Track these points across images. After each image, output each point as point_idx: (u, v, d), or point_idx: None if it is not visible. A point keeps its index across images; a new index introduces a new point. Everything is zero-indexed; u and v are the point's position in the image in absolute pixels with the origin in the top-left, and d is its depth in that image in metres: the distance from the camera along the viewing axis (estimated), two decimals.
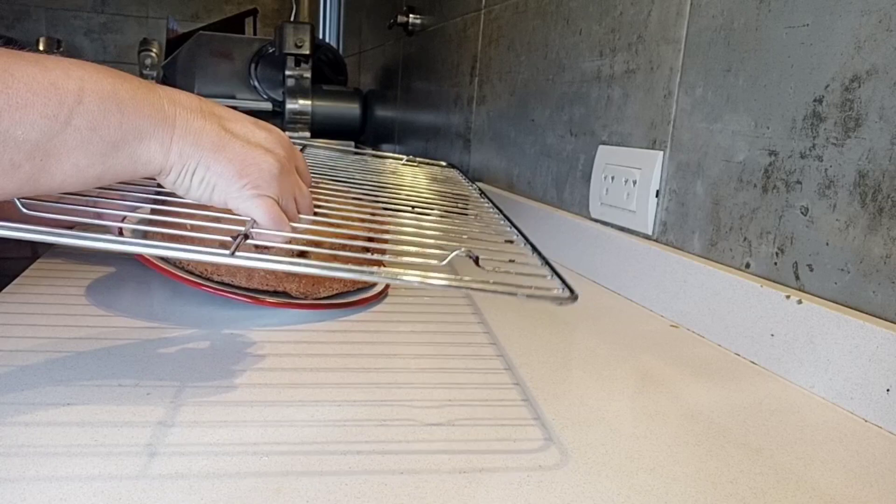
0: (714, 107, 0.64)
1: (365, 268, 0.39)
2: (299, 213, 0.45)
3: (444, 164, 0.94)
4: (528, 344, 0.56)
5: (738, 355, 0.57)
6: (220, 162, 0.40)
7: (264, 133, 0.43)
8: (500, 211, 0.66)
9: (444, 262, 0.42)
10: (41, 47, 3.34)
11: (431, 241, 0.49)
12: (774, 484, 0.37)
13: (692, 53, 0.67)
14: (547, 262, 0.50)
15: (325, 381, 0.46)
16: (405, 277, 0.38)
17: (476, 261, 0.44)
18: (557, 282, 0.45)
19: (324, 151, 0.88)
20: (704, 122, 0.65)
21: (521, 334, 0.59)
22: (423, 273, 0.39)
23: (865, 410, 0.46)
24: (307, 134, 1.91)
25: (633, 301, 0.72)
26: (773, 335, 0.54)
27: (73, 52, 2.83)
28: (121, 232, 0.58)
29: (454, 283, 0.39)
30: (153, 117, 0.37)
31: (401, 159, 0.90)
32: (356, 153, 0.91)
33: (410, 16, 1.61)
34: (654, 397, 0.48)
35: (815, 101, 0.53)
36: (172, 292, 0.62)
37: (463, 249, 0.43)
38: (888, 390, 0.44)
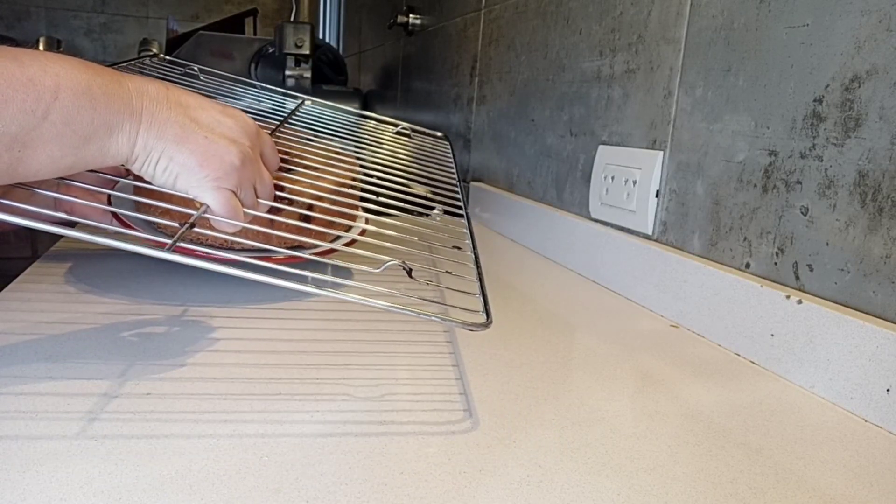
0: (714, 107, 0.64)
1: (295, 276, 0.41)
2: (258, 198, 0.47)
3: (438, 134, 0.93)
4: (528, 344, 0.56)
5: (738, 355, 0.57)
6: (183, 153, 0.42)
7: (230, 121, 0.45)
8: (466, 207, 0.68)
9: (380, 270, 0.44)
10: (41, 47, 3.34)
11: (383, 241, 0.52)
12: (774, 484, 0.37)
13: (692, 53, 0.67)
14: (480, 279, 0.51)
15: (329, 376, 0.46)
16: (326, 291, 0.40)
17: (409, 273, 0.46)
18: (481, 302, 0.47)
19: (322, 111, 0.86)
20: (704, 122, 0.65)
21: (521, 334, 0.59)
22: (353, 285, 0.42)
23: (865, 410, 0.46)
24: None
25: (633, 301, 0.72)
26: (773, 335, 0.54)
27: (73, 52, 2.82)
28: (118, 218, 0.59)
29: (370, 301, 0.41)
30: (122, 112, 0.39)
31: (397, 125, 0.90)
32: (356, 114, 0.91)
33: (410, 16, 1.61)
34: (654, 397, 0.48)
35: (815, 101, 0.53)
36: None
37: (397, 261, 0.45)
38: (888, 390, 0.44)
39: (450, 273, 0.51)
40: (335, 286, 0.42)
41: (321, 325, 0.58)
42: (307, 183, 0.58)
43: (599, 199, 0.81)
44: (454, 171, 0.78)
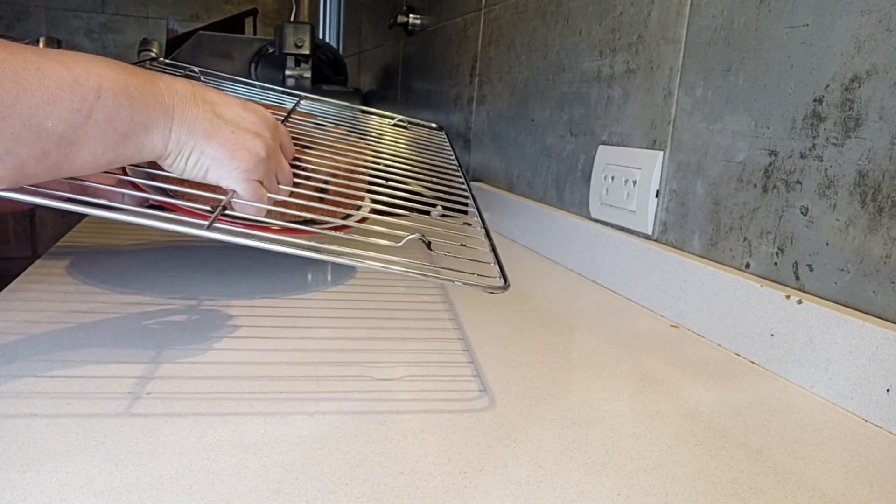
0: (714, 107, 0.64)
1: (323, 244, 0.44)
2: (279, 185, 0.51)
3: (434, 125, 0.94)
4: (528, 344, 0.56)
5: (738, 355, 0.57)
6: (213, 147, 0.45)
7: (252, 116, 0.48)
8: (470, 189, 0.71)
9: (400, 244, 0.47)
10: (41, 47, 3.33)
11: (396, 219, 0.54)
12: (774, 484, 0.37)
13: (692, 53, 0.67)
14: (493, 249, 0.55)
15: (328, 375, 0.46)
16: (350, 260, 0.43)
17: (428, 245, 0.49)
18: (496, 269, 0.51)
19: (319, 106, 0.87)
20: (704, 122, 0.65)
21: (521, 334, 0.59)
22: (374, 255, 0.44)
23: (865, 410, 0.46)
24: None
25: (633, 301, 0.72)
26: (773, 335, 0.54)
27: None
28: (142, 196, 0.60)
29: (396, 268, 0.44)
30: (156, 110, 0.42)
31: (393, 118, 0.91)
32: (352, 109, 0.92)
33: (410, 16, 1.61)
34: (654, 397, 0.48)
35: (815, 101, 0.53)
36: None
37: (417, 234, 0.48)
38: (888, 390, 0.44)
39: (464, 246, 0.54)
40: (359, 257, 0.44)
41: (320, 323, 0.58)
42: (322, 162, 0.60)
43: (599, 199, 0.81)
44: (454, 158, 0.79)
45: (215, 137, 0.45)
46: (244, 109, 0.48)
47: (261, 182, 0.48)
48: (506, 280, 0.49)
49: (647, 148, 0.74)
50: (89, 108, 0.38)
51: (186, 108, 0.44)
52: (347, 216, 0.66)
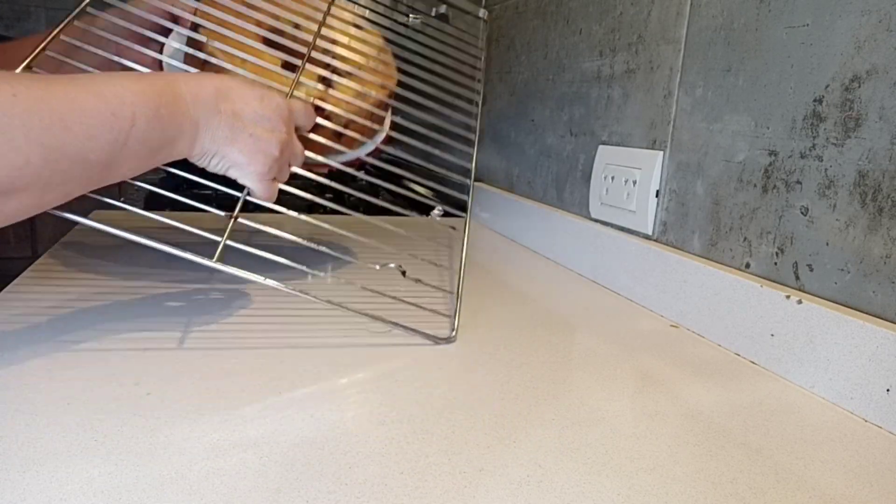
0: (714, 107, 0.64)
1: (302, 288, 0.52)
2: (291, 167, 0.56)
3: (481, 14, 0.89)
4: (528, 344, 0.56)
5: (738, 355, 0.57)
6: (233, 152, 0.51)
7: (268, 112, 0.52)
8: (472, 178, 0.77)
9: (379, 268, 0.58)
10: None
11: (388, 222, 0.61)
12: (774, 484, 0.37)
13: (692, 53, 0.67)
14: (458, 293, 0.62)
15: (328, 375, 0.46)
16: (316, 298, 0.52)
17: (403, 273, 0.57)
18: (452, 321, 0.58)
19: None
20: (704, 122, 0.65)
21: (521, 334, 0.59)
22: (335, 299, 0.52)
23: (865, 410, 0.46)
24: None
25: (633, 301, 0.72)
26: (773, 335, 0.54)
27: None
28: (161, 66, 0.64)
29: (342, 306, 0.53)
30: (183, 125, 0.47)
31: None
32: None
33: (410, 16, 1.61)
34: (654, 397, 0.48)
35: (815, 101, 0.53)
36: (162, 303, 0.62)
37: (394, 264, 0.57)
38: (888, 390, 0.44)
39: (426, 285, 0.61)
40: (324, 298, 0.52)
41: (320, 324, 0.58)
42: (345, 101, 0.64)
43: (599, 199, 0.81)
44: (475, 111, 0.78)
45: (235, 143, 0.50)
46: (261, 105, 0.51)
47: (274, 178, 0.54)
48: (454, 330, 0.56)
49: (647, 148, 0.74)
50: (125, 136, 0.43)
51: (209, 117, 0.49)
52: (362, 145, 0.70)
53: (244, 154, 0.51)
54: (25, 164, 0.38)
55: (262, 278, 0.50)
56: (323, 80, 0.63)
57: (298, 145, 0.56)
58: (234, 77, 0.53)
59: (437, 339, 0.52)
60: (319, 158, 0.61)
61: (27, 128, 0.38)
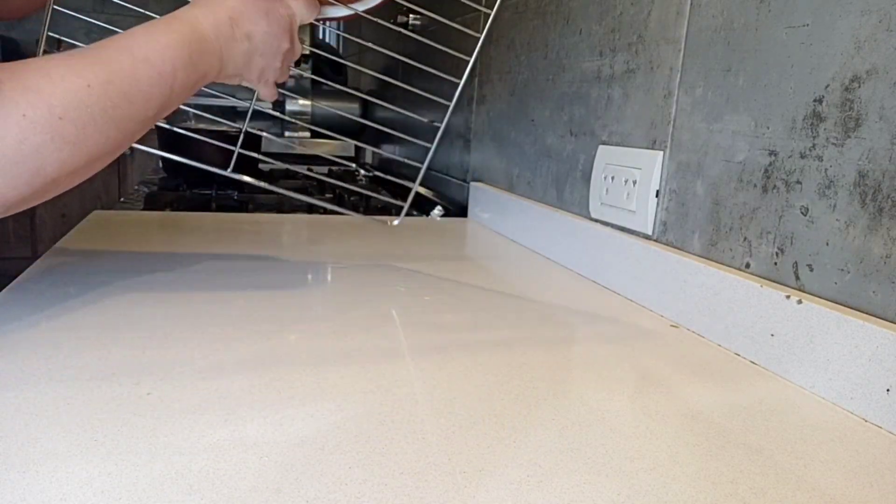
0: (714, 107, 0.64)
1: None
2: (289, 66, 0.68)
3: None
4: (528, 344, 0.56)
5: (738, 355, 0.57)
6: (247, 72, 0.63)
7: (275, 30, 0.62)
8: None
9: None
10: (42, 47, 3.33)
11: None
12: (774, 484, 0.37)
13: (692, 53, 0.67)
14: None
15: (329, 375, 0.46)
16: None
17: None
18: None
19: None
20: (704, 122, 0.65)
21: (521, 334, 0.59)
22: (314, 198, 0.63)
23: (865, 410, 0.46)
24: (307, 134, 1.91)
25: (633, 301, 0.72)
26: (773, 335, 0.54)
27: None
28: None
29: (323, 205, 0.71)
30: (212, 61, 0.58)
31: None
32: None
33: (410, 16, 1.61)
34: (654, 397, 0.48)
35: (815, 101, 0.53)
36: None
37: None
38: (888, 390, 0.44)
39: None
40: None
41: (320, 323, 0.58)
42: None
43: (599, 199, 0.81)
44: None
45: (249, 66, 0.62)
46: (268, 22, 0.61)
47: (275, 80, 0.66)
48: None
49: (647, 148, 0.74)
50: (170, 88, 0.53)
51: (230, 45, 0.59)
52: None
53: (255, 73, 0.63)
54: (106, 140, 0.48)
55: (272, 186, 0.60)
56: None
57: (298, 48, 0.67)
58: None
59: (383, 220, 0.61)
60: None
61: (103, 111, 0.47)
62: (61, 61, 0.47)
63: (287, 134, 1.93)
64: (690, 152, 0.67)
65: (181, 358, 0.48)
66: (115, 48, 0.50)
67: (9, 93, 0.42)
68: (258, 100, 0.68)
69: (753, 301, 0.56)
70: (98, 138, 0.47)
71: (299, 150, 1.92)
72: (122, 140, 0.50)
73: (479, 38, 0.72)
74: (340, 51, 2.57)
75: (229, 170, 0.65)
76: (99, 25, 0.78)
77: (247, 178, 0.65)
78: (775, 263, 0.56)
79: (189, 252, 0.79)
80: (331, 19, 0.73)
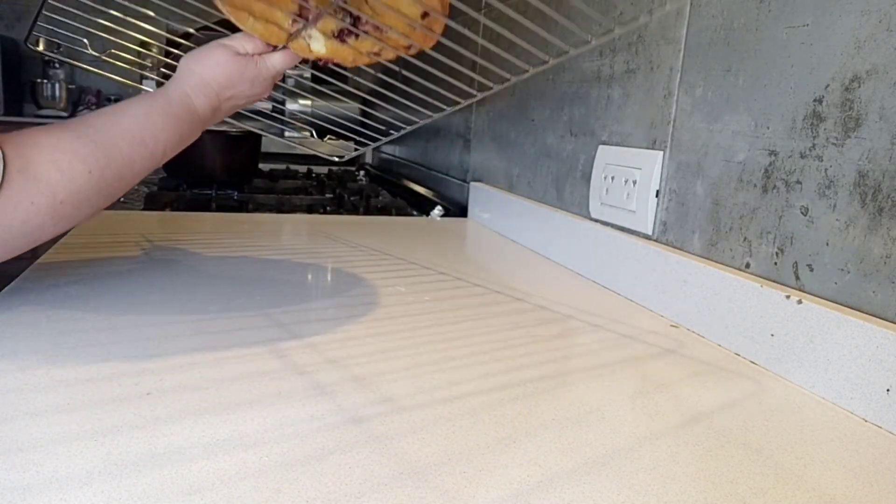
0: (714, 107, 0.64)
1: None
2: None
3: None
4: (528, 344, 0.56)
5: (738, 355, 0.57)
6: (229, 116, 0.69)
7: (258, 90, 0.67)
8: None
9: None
10: (41, 47, 3.33)
11: None
12: (774, 484, 0.37)
13: (692, 53, 0.67)
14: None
15: (328, 376, 0.46)
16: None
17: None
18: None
19: None
20: (704, 122, 0.65)
21: (521, 334, 0.59)
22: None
23: (865, 410, 0.46)
24: (307, 134, 1.90)
25: (633, 301, 0.72)
26: (773, 335, 0.54)
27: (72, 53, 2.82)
28: None
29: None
30: (197, 133, 0.64)
31: None
32: None
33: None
34: (654, 397, 0.48)
35: (815, 101, 0.53)
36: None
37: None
38: (888, 390, 0.44)
39: None
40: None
41: (318, 324, 0.58)
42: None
43: (599, 199, 0.81)
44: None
45: (232, 112, 0.68)
46: (251, 89, 0.66)
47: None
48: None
49: (647, 148, 0.74)
50: (157, 162, 0.60)
51: (217, 116, 0.66)
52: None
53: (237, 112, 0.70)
54: (94, 209, 0.55)
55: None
56: (339, 33, 0.64)
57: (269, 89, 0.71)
58: (230, 71, 0.64)
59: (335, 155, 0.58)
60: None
61: (98, 192, 0.54)
62: (69, 147, 0.52)
63: (287, 134, 1.93)
64: (690, 152, 0.67)
65: (181, 358, 0.48)
66: (117, 132, 0.56)
67: (20, 182, 0.48)
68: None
69: (753, 301, 0.56)
70: (89, 210, 0.54)
71: (299, 150, 1.92)
72: (107, 204, 0.57)
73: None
74: None
75: None
76: (99, 24, 0.78)
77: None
78: (775, 263, 0.56)
79: (189, 252, 0.79)
80: (315, 60, 0.70)
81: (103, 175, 0.54)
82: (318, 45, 0.62)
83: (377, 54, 0.64)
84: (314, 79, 1.91)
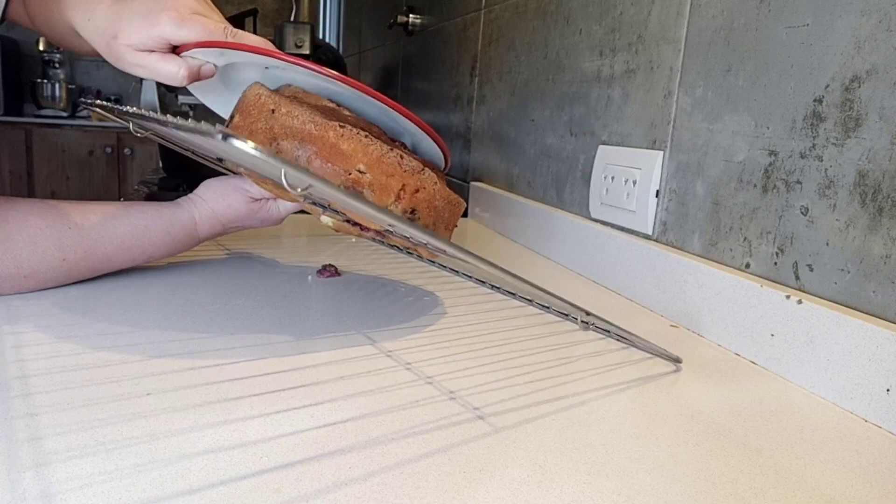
0: (714, 107, 0.64)
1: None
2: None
3: None
4: (528, 343, 0.56)
5: (738, 355, 0.57)
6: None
7: (265, 224, 0.71)
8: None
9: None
10: (41, 47, 3.33)
11: None
12: (774, 484, 0.37)
13: (692, 53, 0.67)
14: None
15: (328, 377, 0.46)
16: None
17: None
18: None
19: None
20: (704, 122, 0.65)
21: (521, 333, 0.59)
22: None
23: (865, 410, 0.46)
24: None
25: (633, 301, 0.72)
26: (773, 335, 0.54)
27: (72, 52, 2.81)
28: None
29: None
30: (192, 246, 0.67)
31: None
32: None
33: (410, 16, 1.61)
34: (654, 397, 0.48)
35: (815, 101, 0.53)
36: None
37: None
38: (888, 390, 0.45)
39: None
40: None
41: (317, 325, 0.58)
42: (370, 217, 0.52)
43: (599, 199, 0.81)
44: None
45: None
46: (260, 221, 0.69)
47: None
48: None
49: (647, 148, 0.74)
50: (140, 263, 0.64)
51: (216, 235, 0.68)
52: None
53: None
54: (60, 283, 0.59)
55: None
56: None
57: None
58: (242, 213, 0.66)
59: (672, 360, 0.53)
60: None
61: (68, 275, 0.58)
62: (54, 235, 0.55)
63: None
64: (690, 152, 0.67)
65: (181, 358, 0.48)
66: (109, 234, 0.59)
67: None
68: None
69: (753, 301, 0.56)
70: (54, 284, 0.58)
71: None
72: (73, 281, 0.60)
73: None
74: (340, 51, 2.57)
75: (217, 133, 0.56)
76: None
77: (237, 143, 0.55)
78: (775, 263, 0.56)
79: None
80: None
81: (77, 266, 0.58)
82: (327, 219, 0.57)
83: (380, 233, 0.57)
84: None
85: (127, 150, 3.17)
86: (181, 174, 1.37)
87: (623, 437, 0.41)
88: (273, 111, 0.50)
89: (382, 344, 0.54)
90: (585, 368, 0.52)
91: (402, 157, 0.51)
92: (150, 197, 1.24)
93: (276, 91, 0.55)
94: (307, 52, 1.80)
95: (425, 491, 0.34)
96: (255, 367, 0.47)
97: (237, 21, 2.65)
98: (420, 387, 0.46)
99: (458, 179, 1.33)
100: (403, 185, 0.51)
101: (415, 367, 0.50)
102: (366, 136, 0.50)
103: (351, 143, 0.49)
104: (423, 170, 0.52)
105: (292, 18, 2.21)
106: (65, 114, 3.26)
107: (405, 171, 0.51)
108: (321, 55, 2.01)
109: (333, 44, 2.76)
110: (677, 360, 0.54)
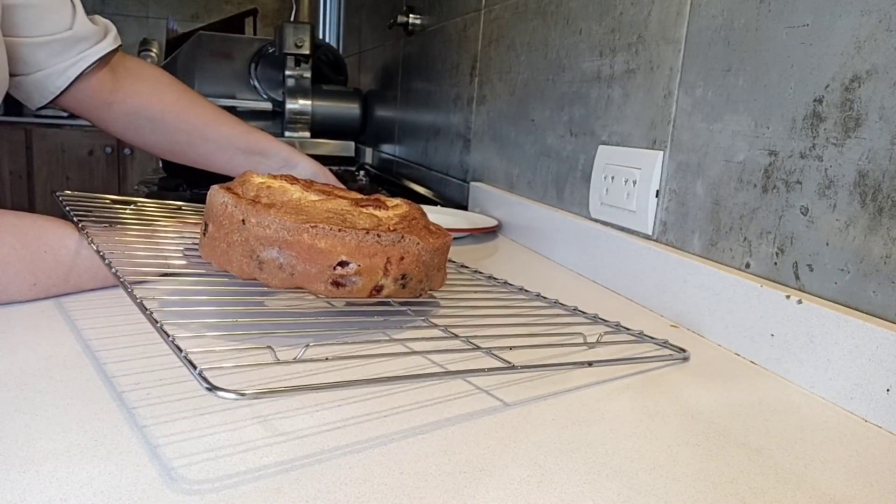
0: (714, 107, 0.64)
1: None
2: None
3: None
4: (527, 343, 0.56)
5: (738, 355, 0.57)
6: None
7: None
8: None
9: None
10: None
11: None
12: (774, 484, 0.37)
13: (692, 53, 0.67)
14: None
15: (327, 377, 0.46)
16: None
17: None
18: None
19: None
20: (704, 122, 0.65)
21: (520, 333, 0.59)
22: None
23: (865, 410, 0.46)
24: (307, 134, 1.91)
25: (633, 301, 0.72)
26: (773, 335, 0.54)
27: None
28: None
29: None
30: None
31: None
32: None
33: (410, 16, 1.61)
34: (654, 397, 0.48)
35: (815, 101, 0.53)
36: None
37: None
38: (888, 390, 0.45)
39: None
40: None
41: (316, 325, 0.58)
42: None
43: (599, 199, 0.81)
44: None
45: None
46: None
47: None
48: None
49: (647, 148, 0.74)
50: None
51: None
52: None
53: None
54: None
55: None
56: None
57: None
58: None
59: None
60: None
61: (34, 296, 0.57)
62: (28, 261, 0.54)
63: (287, 134, 1.93)
64: (690, 152, 0.67)
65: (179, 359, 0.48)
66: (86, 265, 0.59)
67: None
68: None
69: (753, 301, 0.56)
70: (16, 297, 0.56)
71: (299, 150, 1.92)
72: None
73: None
74: (340, 51, 2.57)
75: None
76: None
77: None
78: (775, 263, 0.56)
79: (189, 252, 0.79)
80: None
81: (48, 291, 0.57)
82: None
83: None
84: (315, 78, 1.92)
85: (127, 150, 3.17)
86: (181, 174, 1.37)
87: (623, 437, 0.41)
88: (243, 221, 0.52)
89: (381, 345, 0.54)
90: (584, 367, 0.52)
91: (378, 235, 0.52)
92: (150, 197, 1.24)
93: (238, 195, 0.56)
94: (307, 52, 1.81)
95: (425, 491, 0.34)
96: (256, 366, 0.47)
97: (237, 21, 2.65)
98: (420, 387, 0.46)
99: (458, 179, 1.33)
100: (388, 259, 0.53)
101: (413, 368, 0.50)
102: (339, 231, 0.51)
103: (327, 239, 0.51)
104: (402, 238, 0.54)
105: (292, 18, 2.21)
106: (65, 114, 3.26)
107: (386, 246, 0.53)
108: (321, 55, 2.01)
109: (333, 44, 2.76)
110: (683, 350, 0.56)
